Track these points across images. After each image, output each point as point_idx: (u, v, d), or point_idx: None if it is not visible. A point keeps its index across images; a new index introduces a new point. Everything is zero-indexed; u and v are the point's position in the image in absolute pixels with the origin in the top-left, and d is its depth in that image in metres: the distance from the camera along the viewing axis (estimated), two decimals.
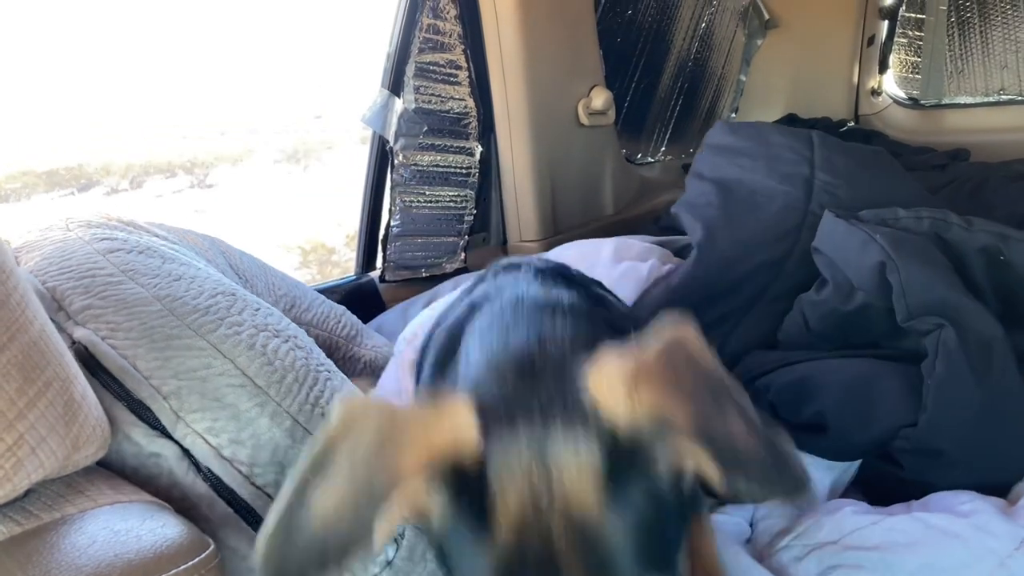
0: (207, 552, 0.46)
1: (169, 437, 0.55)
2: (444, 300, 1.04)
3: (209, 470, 0.55)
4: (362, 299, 1.46)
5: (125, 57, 1.84)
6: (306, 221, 2.38)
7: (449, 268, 1.58)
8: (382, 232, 1.51)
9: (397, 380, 0.96)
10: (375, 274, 1.53)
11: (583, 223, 1.78)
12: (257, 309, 0.64)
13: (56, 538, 0.44)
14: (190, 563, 0.45)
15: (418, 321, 1.00)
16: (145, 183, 2.18)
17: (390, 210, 1.51)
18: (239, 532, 0.55)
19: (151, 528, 0.46)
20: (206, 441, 0.55)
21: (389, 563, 0.58)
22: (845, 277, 0.88)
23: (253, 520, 0.55)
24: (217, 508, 0.55)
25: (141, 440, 0.55)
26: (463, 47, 1.53)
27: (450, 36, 1.52)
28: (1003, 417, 0.78)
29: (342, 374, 0.67)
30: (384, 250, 1.50)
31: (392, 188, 1.51)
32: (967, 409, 0.77)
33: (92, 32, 1.76)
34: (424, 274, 1.57)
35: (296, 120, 2.54)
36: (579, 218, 1.78)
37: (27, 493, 0.47)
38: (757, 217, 0.98)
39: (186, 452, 0.55)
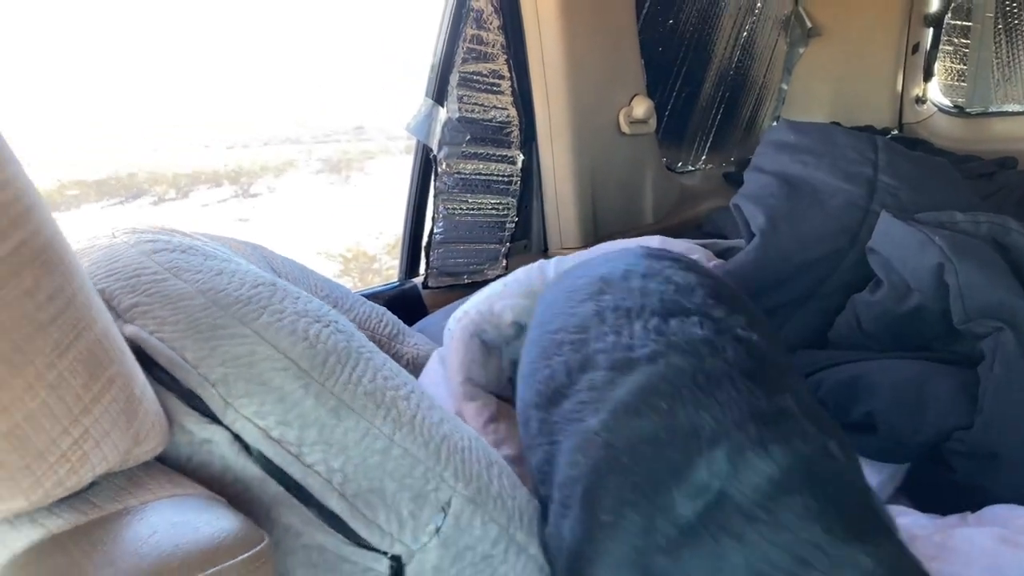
0: (262, 544, 0.47)
1: (219, 423, 0.57)
2: (494, 285, 1.06)
3: (259, 452, 0.57)
4: (405, 304, 1.48)
5: (173, 68, 1.89)
6: (347, 230, 2.41)
7: (491, 275, 1.59)
8: (425, 239, 1.52)
9: (437, 371, 0.97)
10: (418, 280, 1.54)
11: (623, 231, 1.78)
12: (297, 298, 0.65)
13: (119, 528, 0.46)
14: (246, 555, 0.46)
15: (468, 304, 1.03)
16: (191, 192, 2.23)
17: (433, 217, 1.52)
18: (291, 509, 0.57)
19: (208, 520, 0.47)
20: (255, 424, 0.57)
21: (438, 530, 0.59)
22: (901, 278, 0.87)
23: (304, 497, 0.57)
24: (269, 488, 0.57)
25: (193, 428, 0.57)
26: (506, 57, 1.55)
27: (493, 46, 1.53)
28: None
29: (384, 354, 0.68)
30: (427, 256, 1.52)
31: (435, 196, 1.52)
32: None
33: (141, 44, 1.81)
34: (466, 280, 1.58)
35: (337, 131, 2.58)
36: (619, 226, 1.78)
37: (91, 485, 0.48)
38: (818, 212, 0.98)
39: (236, 436, 0.57)
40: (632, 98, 1.76)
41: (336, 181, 2.56)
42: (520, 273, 1.10)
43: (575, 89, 1.62)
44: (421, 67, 1.53)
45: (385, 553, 0.58)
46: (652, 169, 1.85)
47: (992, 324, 0.79)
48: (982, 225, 0.88)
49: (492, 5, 1.50)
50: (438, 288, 1.54)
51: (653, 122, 1.81)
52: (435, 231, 1.52)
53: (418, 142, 1.52)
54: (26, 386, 0.42)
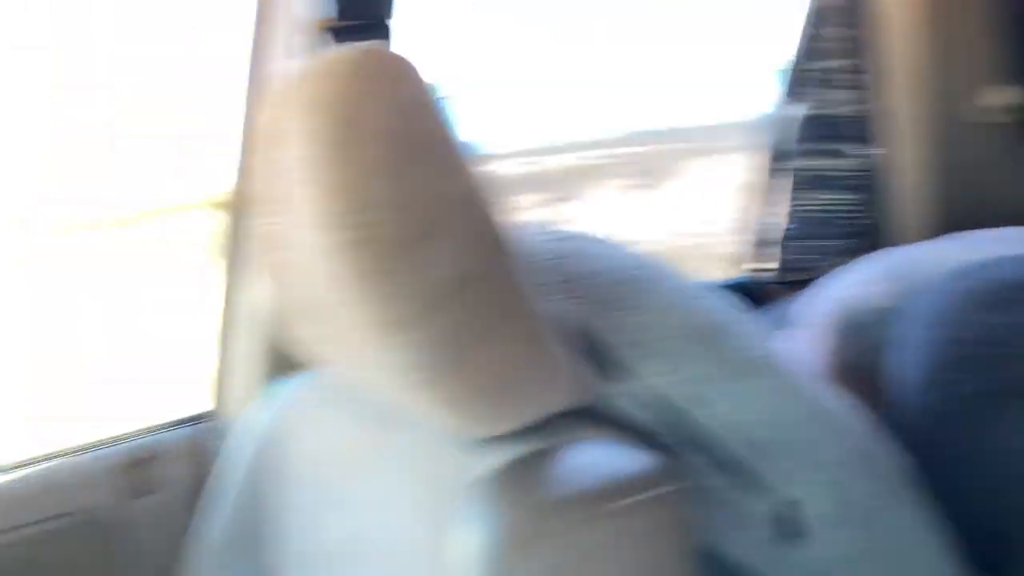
0: (678, 482, 0.58)
1: (633, 377, 0.67)
2: (857, 270, 1.08)
3: (669, 404, 0.66)
4: (748, 298, 1.52)
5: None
6: (658, 232, 2.49)
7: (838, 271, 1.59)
8: (772, 235, 1.56)
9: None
10: (761, 275, 1.59)
11: (979, 229, 1.69)
12: (681, 276, 0.76)
13: (569, 455, 0.59)
14: (673, 487, 0.57)
15: (831, 289, 1.06)
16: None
17: (785, 214, 1.56)
18: (695, 452, 0.66)
19: (634, 457, 0.59)
20: (663, 380, 0.66)
21: (826, 481, 0.68)
22: None
23: (709, 445, 0.66)
24: (680, 433, 0.66)
25: (611, 381, 0.67)
26: (860, 53, 1.54)
27: (849, 42, 1.53)
28: None
29: (756, 328, 0.75)
30: (773, 252, 1.56)
31: (784, 192, 1.56)
32: None
33: None
34: (811, 276, 1.59)
35: (648, 133, 2.66)
36: (974, 224, 1.69)
37: (545, 421, 0.60)
38: None
39: (639, 392, 0.67)
40: (991, 87, 1.66)
41: (647, 184, 2.65)
42: (884, 257, 1.10)
43: (930, 81, 1.56)
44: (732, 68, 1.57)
45: (774, 498, 0.66)
46: (1013, 163, 1.73)
47: None
48: None
49: (854, 2, 1.50)
50: (783, 283, 1.57)
51: (1017, 111, 1.69)
52: (784, 226, 1.55)
53: (768, 139, 1.57)
54: (508, 338, 0.55)
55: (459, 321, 0.53)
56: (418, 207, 0.51)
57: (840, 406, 0.73)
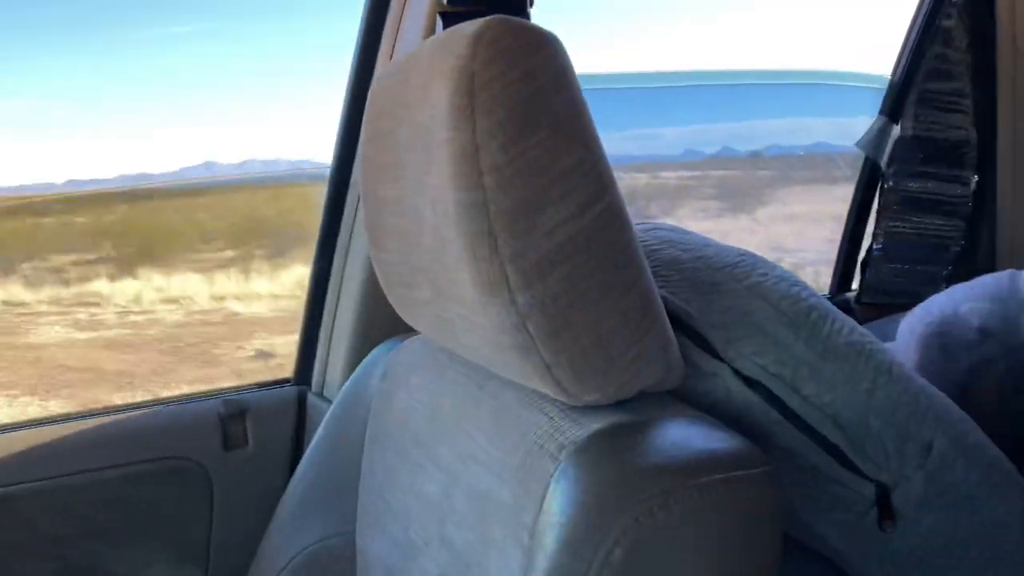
0: (768, 466, 0.57)
1: (722, 360, 0.68)
2: (956, 288, 1.06)
3: (760, 383, 0.67)
4: None
5: None
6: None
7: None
8: (862, 255, 1.54)
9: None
10: (851, 295, 1.56)
11: None
12: (773, 266, 0.76)
13: (661, 428, 0.60)
14: (759, 469, 0.56)
15: (929, 303, 1.05)
16: None
17: (875, 234, 1.53)
18: (789, 433, 0.67)
19: (723, 437, 0.59)
20: (753, 362, 0.68)
21: (921, 466, 0.67)
22: None
23: (800, 424, 0.67)
24: (770, 415, 0.67)
25: (701, 363, 0.69)
26: (971, 76, 1.51)
27: (959, 65, 1.50)
28: None
29: (851, 320, 0.75)
30: (863, 272, 1.54)
31: (879, 212, 1.53)
32: None
33: None
34: (900, 301, 1.56)
35: (733, 157, 2.63)
36: None
37: (639, 395, 0.61)
38: None
39: (737, 371, 0.68)
40: None
41: (734, 207, 2.62)
42: (988, 279, 1.08)
43: None
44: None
45: (872, 479, 0.67)
46: None
47: None
48: None
49: (964, 24, 1.47)
50: (871, 304, 1.55)
51: None
52: (875, 247, 1.53)
53: (866, 158, 1.55)
54: (610, 310, 0.56)
55: (566, 288, 0.54)
56: (535, 174, 0.53)
57: (935, 393, 0.73)
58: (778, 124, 2.30)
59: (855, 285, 1.58)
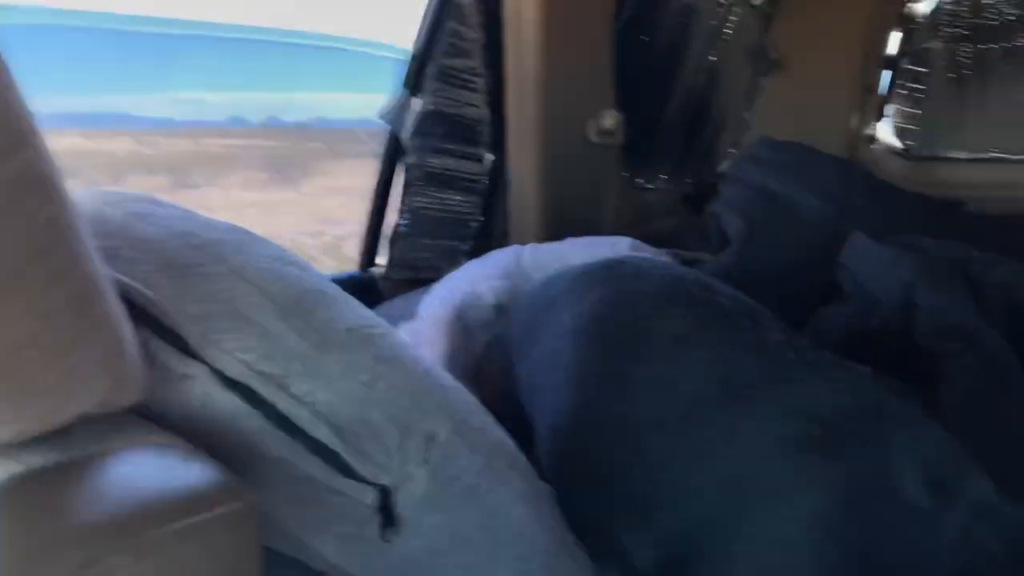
0: (245, 499, 0.46)
1: (199, 359, 0.57)
2: (470, 266, 1.06)
3: (244, 385, 0.57)
4: (362, 294, 1.46)
5: None
6: (285, 229, 2.35)
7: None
8: (388, 230, 1.51)
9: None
10: (376, 271, 1.53)
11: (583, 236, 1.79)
12: (269, 244, 0.67)
13: (101, 470, 0.45)
14: (229, 507, 0.45)
15: (447, 285, 1.04)
16: (124, 180, 2.14)
17: (400, 209, 1.51)
18: (279, 441, 0.58)
19: (191, 470, 0.47)
20: (237, 358, 0.57)
21: (424, 460, 0.62)
22: (870, 295, 0.90)
23: (291, 429, 0.58)
24: (254, 421, 0.57)
25: (172, 364, 0.57)
26: (483, 55, 1.55)
27: (472, 43, 1.53)
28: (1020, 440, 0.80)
29: (354, 299, 0.69)
30: (390, 248, 1.51)
31: (404, 187, 1.51)
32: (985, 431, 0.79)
33: None
34: (425, 275, 1.57)
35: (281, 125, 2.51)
36: (581, 233, 1.79)
37: (72, 426, 0.46)
38: (794, 224, 1.02)
39: (217, 372, 0.57)
40: (601, 109, 1.78)
41: (279, 178, 2.49)
42: (498, 255, 1.10)
43: (547, 93, 1.62)
44: None
45: (373, 484, 0.60)
46: (615, 181, 1.87)
47: (955, 345, 0.82)
48: (948, 252, 0.92)
49: (476, 2, 1.50)
50: (396, 280, 1.52)
51: (620, 135, 1.83)
52: (400, 223, 1.51)
53: (390, 131, 1.51)
54: (17, 314, 0.40)
55: None
56: None
57: (441, 375, 0.69)
58: (326, 97, 2.22)
59: (383, 261, 1.54)
